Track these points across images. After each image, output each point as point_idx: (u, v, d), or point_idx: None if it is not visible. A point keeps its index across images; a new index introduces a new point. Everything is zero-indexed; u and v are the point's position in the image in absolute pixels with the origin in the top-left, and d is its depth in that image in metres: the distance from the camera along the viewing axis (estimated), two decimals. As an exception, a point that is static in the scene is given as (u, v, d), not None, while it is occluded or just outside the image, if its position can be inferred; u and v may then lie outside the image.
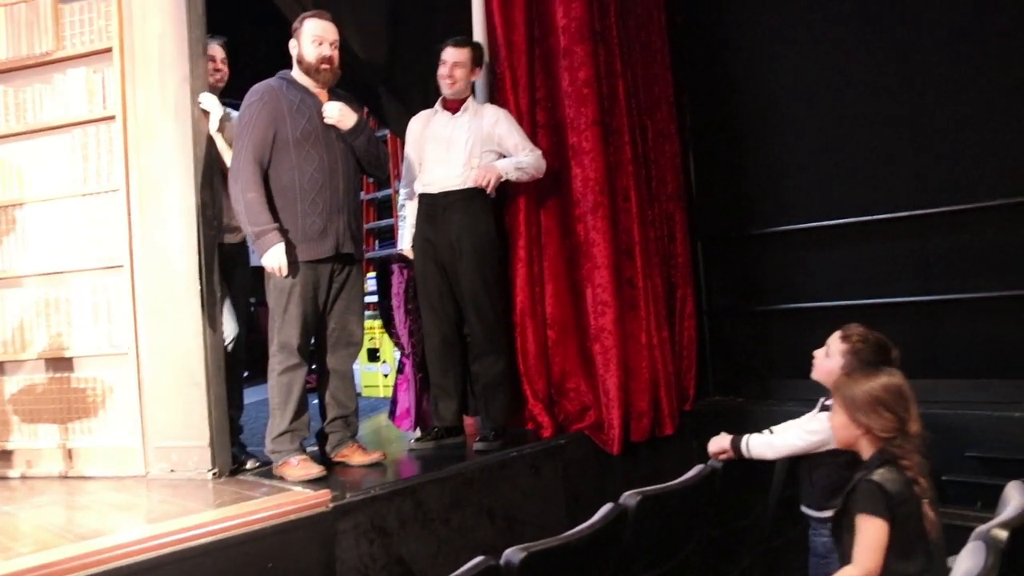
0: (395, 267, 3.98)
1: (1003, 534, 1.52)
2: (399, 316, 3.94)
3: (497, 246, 3.91)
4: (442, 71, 3.79)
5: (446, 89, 3.81)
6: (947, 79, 4.14)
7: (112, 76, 3.46)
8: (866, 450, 2.19)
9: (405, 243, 3.95)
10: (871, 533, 2.00)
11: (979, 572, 1.42)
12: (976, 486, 3.49)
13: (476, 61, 3.85)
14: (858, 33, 4.42)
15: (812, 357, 2.69)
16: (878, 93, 4.36)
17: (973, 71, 4.06)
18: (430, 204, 3.78)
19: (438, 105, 3.88)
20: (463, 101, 3.83)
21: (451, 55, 3.78)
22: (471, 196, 3.75)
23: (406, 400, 4.01)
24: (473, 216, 3.74)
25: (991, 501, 2.04)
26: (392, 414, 4.09)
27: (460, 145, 3.76)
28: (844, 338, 2.60)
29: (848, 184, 4.47)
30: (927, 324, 4.22)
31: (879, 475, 2.06)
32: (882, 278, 4.35)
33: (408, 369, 4.01)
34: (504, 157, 3.82)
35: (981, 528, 1.58)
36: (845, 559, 2.13)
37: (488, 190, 3.72)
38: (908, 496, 2.03)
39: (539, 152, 3.87)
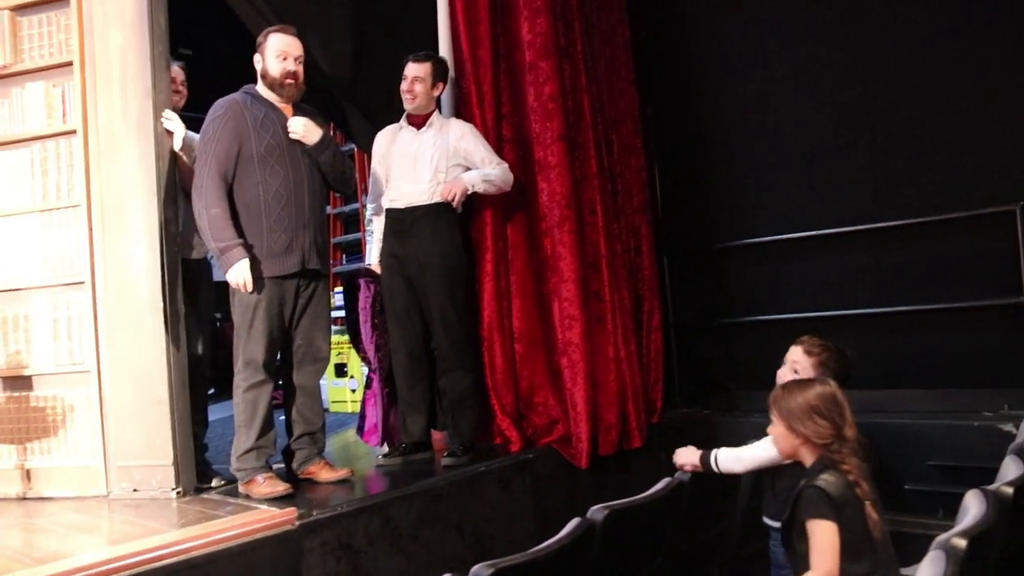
0: (362, 282, 3.96)
1: (962, 543, 1.55)
2: (365, 331, 3.93)
3: (465, 261, 3.91)
4: (403, 86, 3.80)
5: (407, 104, 3.82)
6: (905, 97, 4.22)
7: (72, 90, 3.41)
8: (807, 458, 2.24)
9: (373, 258, 3.94)
10: (822, 536, 2.04)
11: (939, 582, 1.44)
12: (937, 495, 3.55)
13: (439, 76, 3.85)
14: (819, 51, 4.50)
15: (776, 377, 2.71)
16: (838, 109, 4.43)
17: (930, 89, 4.15)
18: (397, 219, 3.78)
19: (403, 120, 3.89)
20: (428, 116, 3.83)
21: (411, 70, 3.79)
22: (438, 211, 3.75)
23: (373, 415, 3.98)
24: (440, 231, 3.74)
25: (953, 508, 2.07)
26: (360, 429, 4.06)
27: (426, 161, 3.76)
28: (808, 353, 2.63)
29: (810, 198, 4.54)
30: (888, 335, 4.28)
31: (821, 480, 2.10)
32: (844, 290, 4.42)
33: (375, 384, 3.98)
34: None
35: (941, 537, 1.60)
36: (798, 568, 2.15)
37: (455, 204, 3.72)
38: (851, 498, 2.08)
39: (506, 165, 3.89)
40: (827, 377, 2.52)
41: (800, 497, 2.12)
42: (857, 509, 2.07)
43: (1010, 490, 2.03)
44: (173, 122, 3.36)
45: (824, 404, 2.19)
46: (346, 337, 4.98)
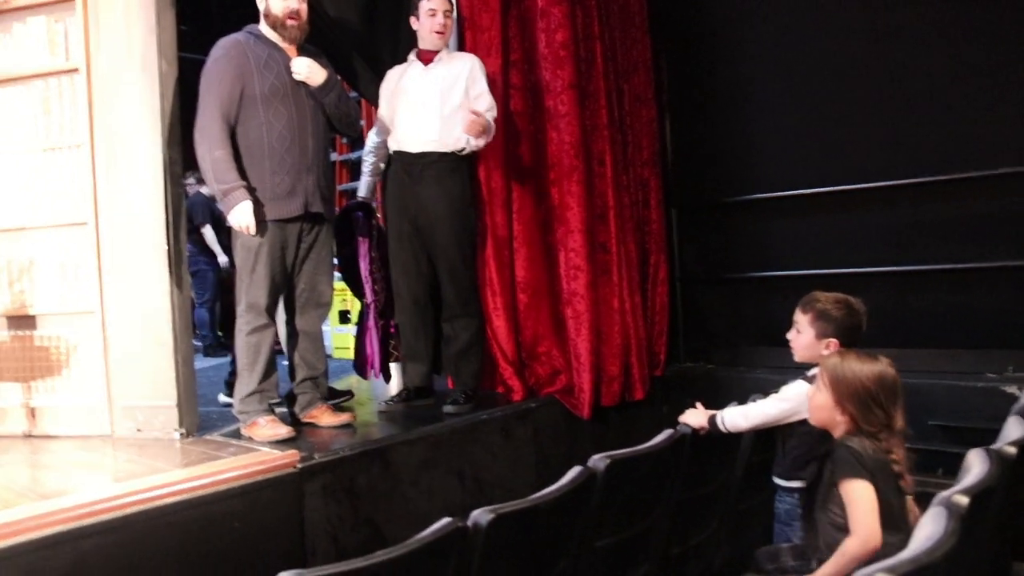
0: (359, 215, 3.91)
1: (964, 500, 1.54)
2: (364, 265, 3.86)
3: (473, 210, 3.87)
4: (435, 20, 3.65)
5: (436, 41, 3.69)
6: (921, 51, 4.13)
7: (75, 26, 3.34)
8: (840, 431, 2.15)
9: (367, 191, 3.89)
10: (859, 495, 1.97)
11: (940, 536, 1.43)
12: (939, 454, 3.56)
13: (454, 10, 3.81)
14: (836, 2, 4.40)
15: (788, 342, 2.67)
16: (853, 64, 4.34)
17: (947, 44, 4.06)
18: (407, 164, 3.69)
19: (412, 56, 3.77)
20: (437, 52, 3.74)
21: (440, 3, 3.65)
22: (450, 159, 3.69)
23: (370, 348, 3.97)
24: (450, 179, 3.68)
25: (952, 468, 2.06)
26: (358, 366, 4.04)
27: (435, 98, 3.66)
28: (805, 305, 2.59)
29: (822, 154, 4.48)
30: (897, 294, 4.26)
31: (855, 442, 2.04)
32: (853, 248, 4.38)
33: (371, 318, 3.95)
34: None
35: (943, 494, 1.60)
36: (818, 535, 2.13)
37: (475, 138, 3.61)
38: (887, 472, 2.01)
39: (494, 111, 3.76)
40: (830, 328, 2.50)
41: (832, 458, 2.07)
42: (892, 486, 2.01)
43: (1013, 450, 2.02)
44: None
45: (883, 391, 2.08)
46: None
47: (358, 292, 4.01)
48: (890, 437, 2.07)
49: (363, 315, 4.07)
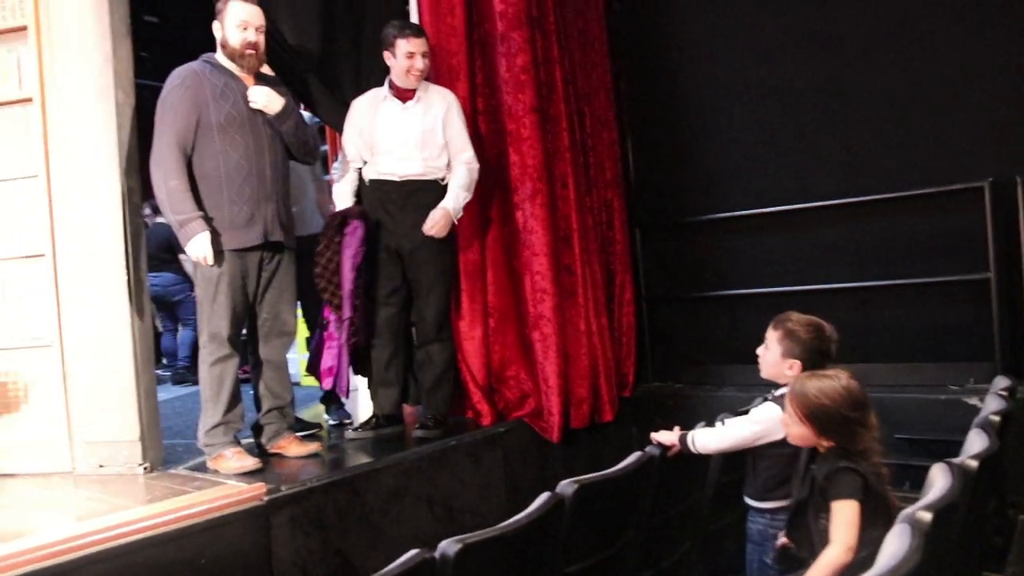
0: (357, 222, 3.71)
1: (927, 516, 1.55)
2: (348, 275, 3.66)
3: (454, 236, 3.87)
4: (412, 64, 3.63)
5: (412, 81, 3.68)
6: (877, 73, 4.22)
7: (28, 56, 3.28)
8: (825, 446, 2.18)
9: (349, 202, 3.78)
10: (849, 513, 2.02)
11: (904, 554, 1.45)
12: (905, 467, 3.59)
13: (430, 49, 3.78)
14: (794, 23, 4.48)
15: (757, 358, 2.68)
16: (812, 83, 4.42)
17: (902, 65, 4.15)
18: (390, 191, 3.69)
19: (387, 90, 3.74)
20: (414, 89, 3.72)
21: (418, 45, 3.64)
22: (433, 186, 3.72)
23: (330, 360, 3.75)
24: (434, 205, 3.68)
25: (919, 481, 2.08)
26: (314, 368, 3.83)
27: (415, 139, 3.67)
28: (777, 323, 2.60)
29: (782, 172, 4.54)
30: (859, 310, 4.32)
31: (853, 463, 2.07)
32: (815, 264, 4.44)
33: (341, 331, 3.71)
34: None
35: (907, 510, 1.61)
36: (814, 546, 2.14)
37: (437, 236, 3.65)
38: (874, 477, 2.07)
39: (475, 163, 3.79)
40: (796, 349, 2.52)
41: (831, 480, 2.08)
42: (880, 487, 2.07)
43: (974, 463, 2.04)
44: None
45: (855, 409, 2.10)
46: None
47: (334, 302, 3.71)
48: (872, 444, 2.12)
49: (327, 327, 3.79)
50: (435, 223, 3.63)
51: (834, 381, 2.15)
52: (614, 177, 4.72)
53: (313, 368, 3.87)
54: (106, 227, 3.21)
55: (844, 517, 2.03)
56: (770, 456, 2.51)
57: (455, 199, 3.71)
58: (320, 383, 3.88)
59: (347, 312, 3.67)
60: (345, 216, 3.67)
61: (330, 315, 3.74)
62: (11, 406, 3.35)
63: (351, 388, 3.95)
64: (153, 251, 5.45)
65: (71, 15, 3.23)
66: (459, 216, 3.75)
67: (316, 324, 3.98)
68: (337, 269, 3.63)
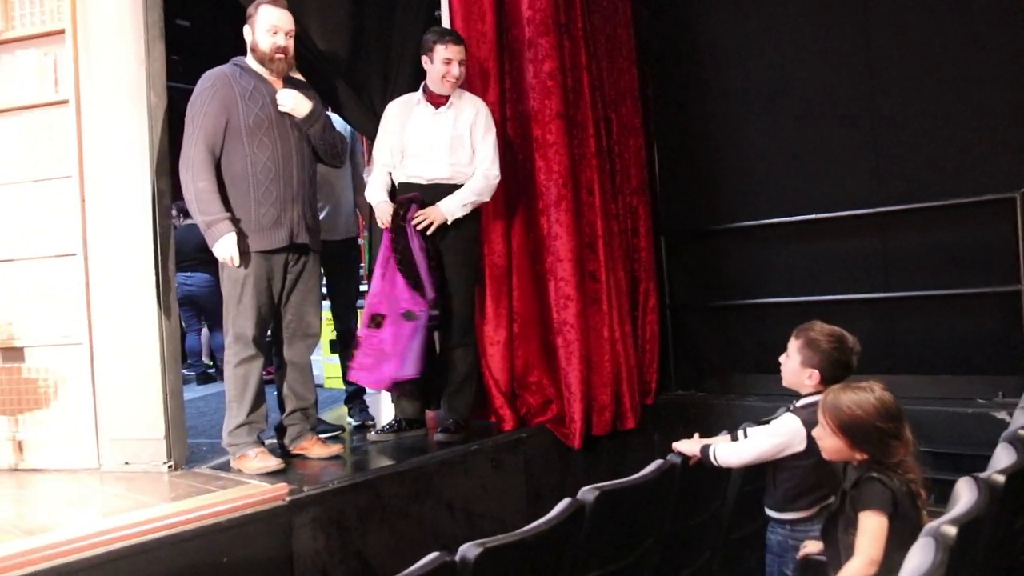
0: (416, 207, 3.64)
1: (952, 531, 1.54)
2: (419, 256, 3.59)
3: (478, 241, 3.88)
4: (449, 71, 3.64)
5: (447, 87, 3.69)
6: (908, 79, 4.18)
7: (64, 59, 3.36)
8: (859, 461, 2.15)
9: (382, 196, 3.73)
10: (875, 526, 1.99)
11: (928, 569, 1.43)
12: (931, 481, 3.55)
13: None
14: (823, 31, 4.45)
15: (779, 364, 2.66)
16: (841, 91, 4.39)
17: (933, 72, 4.11)
18: (416, 194, 3.68)
19: (421, 95, 3.75)
20: (449, 96, 3.73)
21: (457, 52, 3.65)
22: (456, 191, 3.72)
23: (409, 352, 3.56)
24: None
25: (945, 495, 2.05)
26: (400, 368, 3.56)
27: (444, 143, 3.68)
28: (799, 331, 2.58)
29: (810, 181, 4.51)
30: (885, 320, 4.27)
31: (884, 475, 2.04)
32: (842, 274, 4.40)
33: (423, 321, 3.58)
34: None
35: (931, 524, 1.59)
36: (843, 553, 2.12)
37: (425, 232, 3.60)
38: (906, 497, 2.03)
39: (493, 170, 3.76)
40: (815, 358, 2.49)
41: (859, 489, 2.06)
42: (911, 508, 2.03)
43: (1002, 478, 2.02)
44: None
45: (890, 421, 2.08)
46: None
47: (418, 289, 3.59)
48: (907, 457, 2.08)
49: (410, 314, 3.59)
50: (424, 215, 3.59)
51: (868, 393, 2.13)
52: (640, 184, 4.71)
53: (400, 369, 3.58)
54: (136, 228, 3.27)
55: (869, 529, 2.00)
56: (790, 468, 2.48)
57: (456, 199, 3.67)
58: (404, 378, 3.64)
59: (429, 293, 3.59)
60: (409, 201, 3.64)
61: (420, 311, 3.60)
62: (41, 402, 3.41)
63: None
64: (192, 251, 5.52)
65: (108, 18, 3.30)
66: (456, 215, 3.67)
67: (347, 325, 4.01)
68: (408, 253, 3.59)
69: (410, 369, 3.54)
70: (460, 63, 3.68)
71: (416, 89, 3.81)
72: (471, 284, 3.83)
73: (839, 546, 2.15)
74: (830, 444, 2.17)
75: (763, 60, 4.66)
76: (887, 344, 4.14)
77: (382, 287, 3.61)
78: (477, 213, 3.83)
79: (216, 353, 6.66)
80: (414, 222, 3.59)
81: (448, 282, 3.72)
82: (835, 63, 4.40)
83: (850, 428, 2.11)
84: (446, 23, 4.10)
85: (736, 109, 4.78)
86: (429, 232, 3.60)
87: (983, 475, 2.00)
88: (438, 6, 4.22)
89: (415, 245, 3.59)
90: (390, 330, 3.56)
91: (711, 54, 4.88)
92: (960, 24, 4.03)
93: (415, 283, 3.57)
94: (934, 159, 4.11)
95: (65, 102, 3.36)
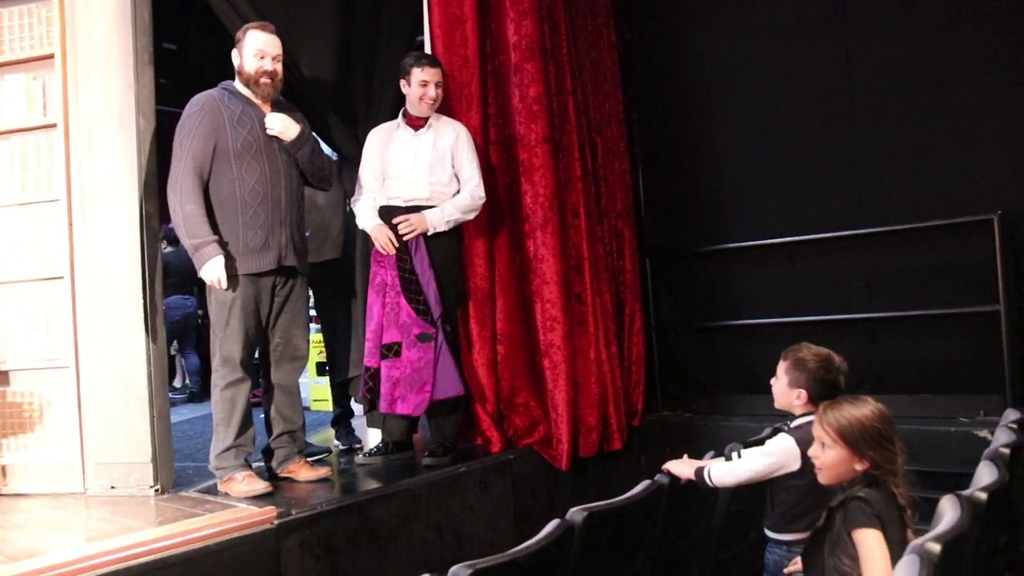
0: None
1: (936, 548, 1.56)
2: (426, 277, 3.64)
3: (460, 262, 3.90)
4: (425, 92, 3.70)
5: (425, 109, 3.75)
6: (889, 103, 4.26)
7: (53, 83, 3.37)
8: (849, 480, 2.14)
9: (375, 220, 3.75)
10: (873, 544, 1.97)
11: (914, 586, 1.45)
12: (917, 499, 3.58)
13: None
14: (805, 54, 4.53)
15: (766, 389, 2.68)
16: (823, 114, 4.47)
17: (914, 96, 4.19)
18: (394, 216, 3.72)
19: (400, 120, 3.82)
20: (427, 118, 3.79)
21: (432, 75, 3.72)
22: None
23: (441, 371, 3.61)
24: (439, 233, 3.72)
25: (928, 513, 2.08)
26: (433, 396, 3.60)
27: (424, 165, 3.73)
28: (787, 352, 2.60)
29: (794, 203, 4.58)
30: (869, 341, 4.32)
31: (863, 492, 2.04)
32: (826, 295, 4.45)
33: (438, 333, 3.62)
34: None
35: (916, 542, 1.61)
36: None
37: (405, 238, 3.65)
38: (893, 517, 2.03)
39: (479, 191, 3.80)
40: (802, 378, 2.52)
41: (845, 508, 2.06)
42: (897, 529, 2.02)
43: (984, 495, 2.04)
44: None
45: (889, 427, 2.09)
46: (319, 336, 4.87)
47: (422, 310, 3.63)
48: (897, 473, 2.09)
49: (426, 336, 3.63)
50: (408, 222, 3.64)
51: (863, 402, 2.15)
52: (625, 207, 4.76)
53: (432, 391, 3.62)
54: (124, 251, 3.28)
55: (868, 549, 1.98)
56: (787, 488, 2.50)
57: (441, 211, 3.72)
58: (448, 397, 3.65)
59: (436, 310, 3.63)
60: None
61: (431, 328, 3.62)
62: (26, 426, 3.39)
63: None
64: (190, 274, 5.53)
65: (96, 44, 3.32)
66: (438, 228, 3.71)
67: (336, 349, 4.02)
68: (413, 272, 3.64)
69: (451, 387, 3.61)
70: (437, 85, 3.74)
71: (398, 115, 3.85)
72: (453, 305, 3.85)
73: (823, 567, 2.16)
74: (830, 458, 2.15)
75: (746, 84, 4.73)
76: (870, 364, 4.18)
77: (385, 315, 3.65)
78: (457, 233, 3.86)
79: (190, 375, 6.70)
80: (396, 222, 3.62)
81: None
82: (817, 86, 4.48)
83: (851, 434, 2.11)
84: (428, 49, 4.14)
85: (720, 132, 4.85)
86: (406, 238, 3.63)
87: (966, 493, 2.02)
88: (421, 32, 4.27)
89: (425, 262, 3.64)
90: (413, 355, 3.61)
91: (695, 78, 4.96)
92: (941, 49, 4.12)
93: (418, 307, 3.61)
94: (915, 181, 4.18)
95: (53, 126, 3.37)
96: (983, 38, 4.02)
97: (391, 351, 3.63)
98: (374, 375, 3.66)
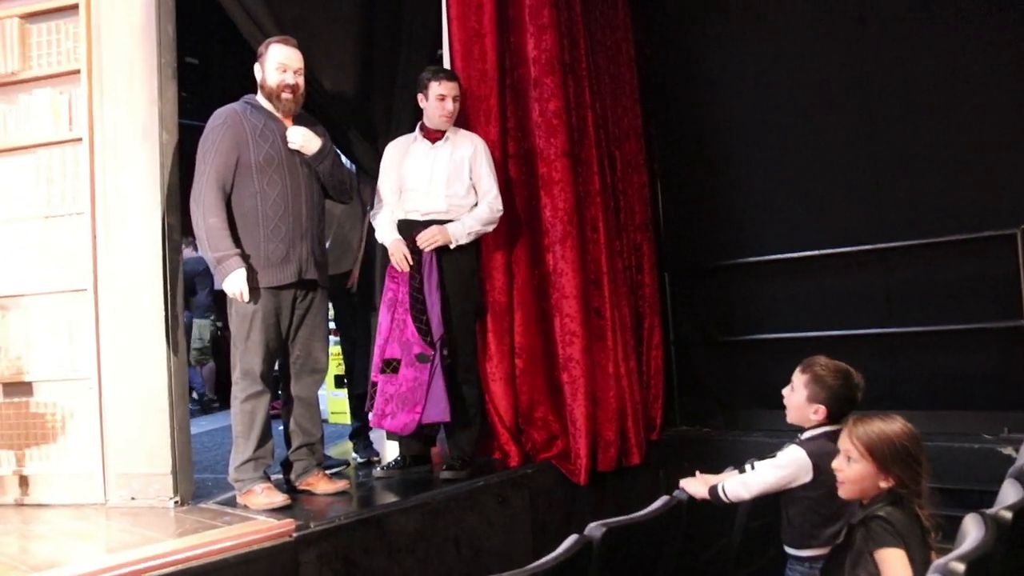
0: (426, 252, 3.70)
1: (960, 567, 1.54)
2: (432, 301, 3.63)
3: (479, 276, 3.91)
4: (443, 106, 3.73)
5: (443, 122, 3.77)
6: (909, 115, 4.24)
7: (79, 98, 3.42)
8: (872, 497, 2.12)
9: (394, 234, 3.76)
10: (897, 563, 1.96)
11: (937, 605, 1.44)
12: (941, 518, 3.54)
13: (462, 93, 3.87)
14: (823, 67, 4.53)
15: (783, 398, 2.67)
16: (843, 128, 4.45)
17: (934, 108, 4.17)
18: (415, 231, 3.72)
19: (418, 133, 3.84)
20: (444, 131, 3.81)
21: (451, 89, 3.74)
22: None
23: (431, 395, 3.58)
24: (455, 248, 3.72)
25: (951, 532, 2.05)
26: (422, 414, 3.58)
27: (441, 177, 3.75)
28: (805, 366, 2.59)
29: (813, 217, 4.55)
30: (888, 356, 4.29)
31: (883, 511, 2.03)
32: (845, 310, 4.42)
33: (438, 361, 3.60)
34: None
35: (939, 561, 1.60)
36: None
37: (425, 249, 3.65)
38: (915, 538, 2.01)
39: (497, 203, 3.81)
40: (822, 394, 2.51)
41: (866, 528, 2.05)
42: (919, 543, 2.00)
43: (1009, 514, 2.01)
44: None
45: (916, 445, 2.08)
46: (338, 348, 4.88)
47: (423, 328, 3.63)
48: (923, 492, 2.07)
49: (424, 356, 3.62)
50: (430, 236, 3.64)
51: (893, 419, 2.13)
52: (643, 221, 4.76)
53: (422, 414, 3.60)
54: (146, 264, 3.31)
55: (892, 568, 1.97)
56: (800, 501, 2.48)
57: (461, 224, 3.72)
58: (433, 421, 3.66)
59: (437, 331, 3.62)
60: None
61: (428, 349, 3.61)
62: (48, 437, 3.42)
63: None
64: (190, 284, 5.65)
65: (122, 59, 3.37)
66: (460, 241, 3.71)
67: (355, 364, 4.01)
68: (421, 291, 3.65)
69: (438, 413, 3.58)
70: (454, 99, 3.76)
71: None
72: (471, 319, 3.85)
73: None
74: (855, 472, 2.13)
75: (764, 97, 4.73)
76: (890, 379, 4.15)
77: (392, 331, 3.66)
78: (475, 247, 3.87)
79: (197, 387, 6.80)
80: (419, 238, 3.63)
81: (450, 321, 3.73)
82: (836, 100, 4.47)
83: (879, 450, 2.09)
84: (447, 63, 4.17)
85: (738, 145, 4.84)
86: (427, 249, 3.64)
87: (990, 511, 2.00)
88: (441, 47, 4.30)
89: (433, 282, 3.64)
90: (410, 373, 3.60)
91: (712, 92, 4.96)
92: (962, 61, 4.10)
93: (420, 326, 3.61)
94: (936, 195, 4.16)
95: (79, 140, 3.42)
96: (1005, 50, 3.99)
97: (389, 367, 3.64)
98: (374, 390, 3.68)
